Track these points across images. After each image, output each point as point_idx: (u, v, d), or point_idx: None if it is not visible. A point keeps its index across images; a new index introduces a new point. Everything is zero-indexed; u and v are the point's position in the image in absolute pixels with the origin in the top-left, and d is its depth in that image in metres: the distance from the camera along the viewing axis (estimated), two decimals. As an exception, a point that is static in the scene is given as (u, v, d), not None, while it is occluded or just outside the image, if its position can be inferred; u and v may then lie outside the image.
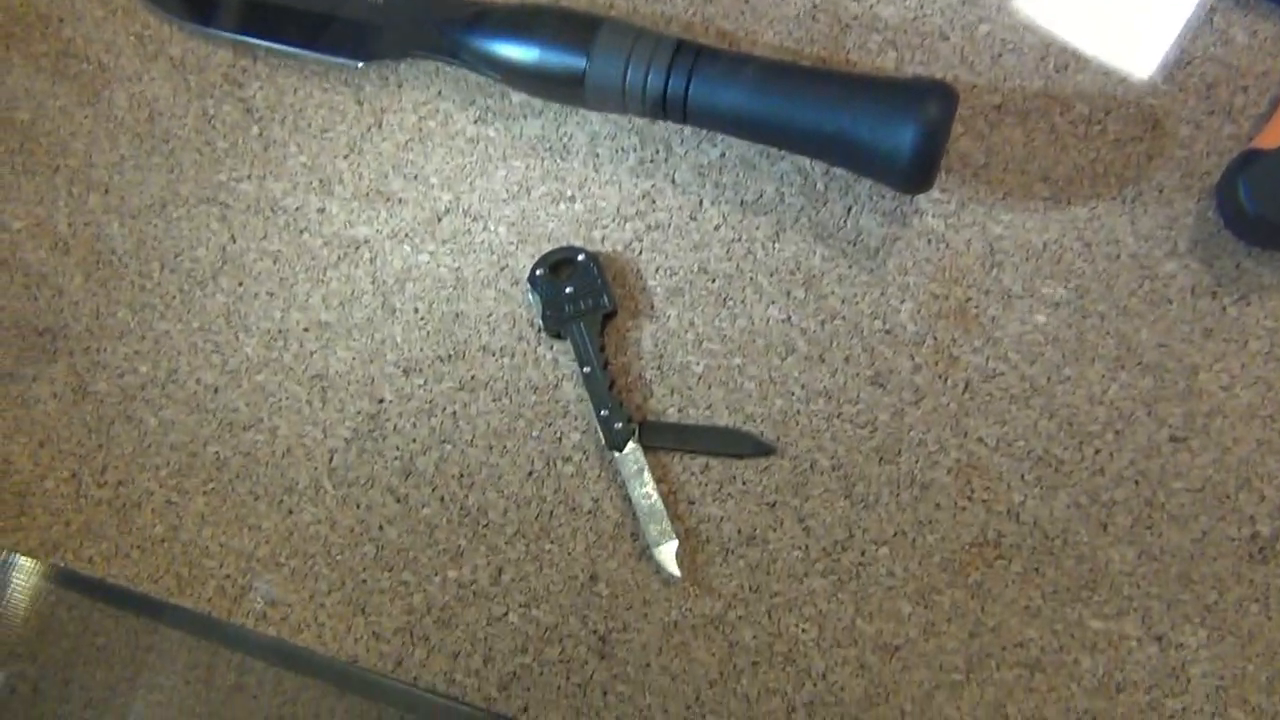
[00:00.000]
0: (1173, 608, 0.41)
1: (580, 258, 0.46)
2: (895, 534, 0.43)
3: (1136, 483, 0.42)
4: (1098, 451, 0.42)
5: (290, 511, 0.46)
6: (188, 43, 0.51)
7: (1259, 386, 0.41)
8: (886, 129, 0.40)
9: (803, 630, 0.43)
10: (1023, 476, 0.42)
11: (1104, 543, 0.41)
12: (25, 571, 0.45)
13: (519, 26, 0.45)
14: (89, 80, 0.51)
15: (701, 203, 0.46)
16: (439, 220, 0.47)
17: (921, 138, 0.40)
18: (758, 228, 0.45)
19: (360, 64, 0.48)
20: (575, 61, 0.44)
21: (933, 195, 0.44)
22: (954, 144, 0.45)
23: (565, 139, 0.47)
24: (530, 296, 0.46)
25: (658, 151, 0.47)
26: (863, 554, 0.43)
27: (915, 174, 0.41)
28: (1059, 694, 0.41)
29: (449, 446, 0.46)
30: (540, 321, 0.45)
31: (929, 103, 0.40)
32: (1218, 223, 0.43)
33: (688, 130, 0.47)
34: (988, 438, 0.43)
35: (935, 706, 0.41)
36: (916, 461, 0.43)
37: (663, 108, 0.44)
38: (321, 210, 0.48)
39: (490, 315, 0.46)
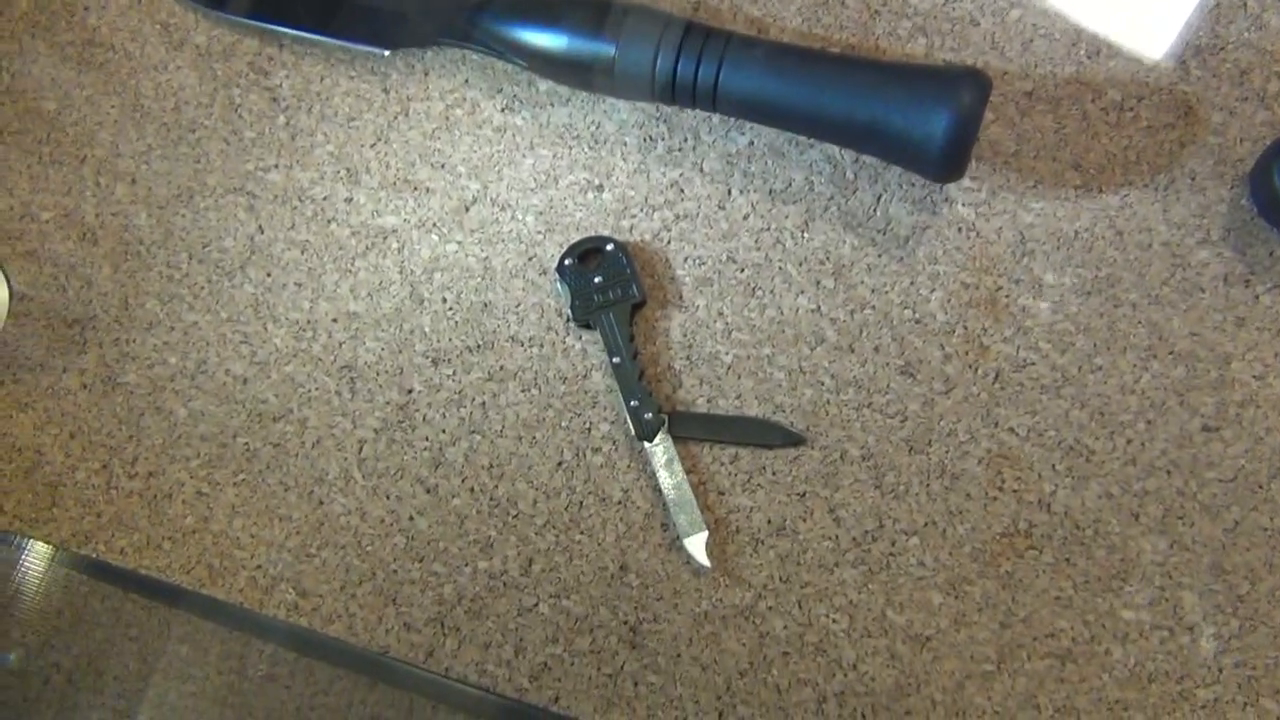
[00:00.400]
0: (1205, 598, 0.41)
1: (609, 247, 0.46)
2: (926, 524, 0.43)
3: (1169, 472, 0.42)
4: (1129, 441, 0.42)
5: (321, 502, 0.47)
6: (213, 31, 0.51)
7: None
8: (919, 117, 0.41)
9: (833, 620, 0.43)
10: (1054, 466, 0.43)
11: (1135, 533, 0.42)
12: (56, 561, 0.46)
13: (547, 13, 0.45)
14: (115, 69, 0.51)
15: (730, 191, 0.46)
16: (466, 209, 0.48)
17: (954, 126, 0.40)
18: (787, 217, 0.46)
19: (387, 52, 0.48)
20: (604, 49, 0.44)
21: (963, 183, 0.45)
22: (985, 131, 0.45)
23: (593, 127, 0.48)
24: (559, 286, 0.46)
25: (686, 140, 0.47)
26: (893, 544, 0.43)
27: (948, 162, 0.41)
28: (1090, 684, 0.41)
29: (478, 437, 0.46)
30: (569, 311, 0.46)
31: (962, 90, 0.40)
32: (1251, 210, 0.43)
33: (716, 118, 0.47)
34: (1019, 428, 0.43)
35: (966, 697, 0.42)
36: (947, 451, 0.43)
37: (692, 95, 0.44)
38: (349, 200, 0.49)
39: (519, 305, 0.47)
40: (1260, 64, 0.44)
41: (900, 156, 0.42)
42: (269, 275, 0.49)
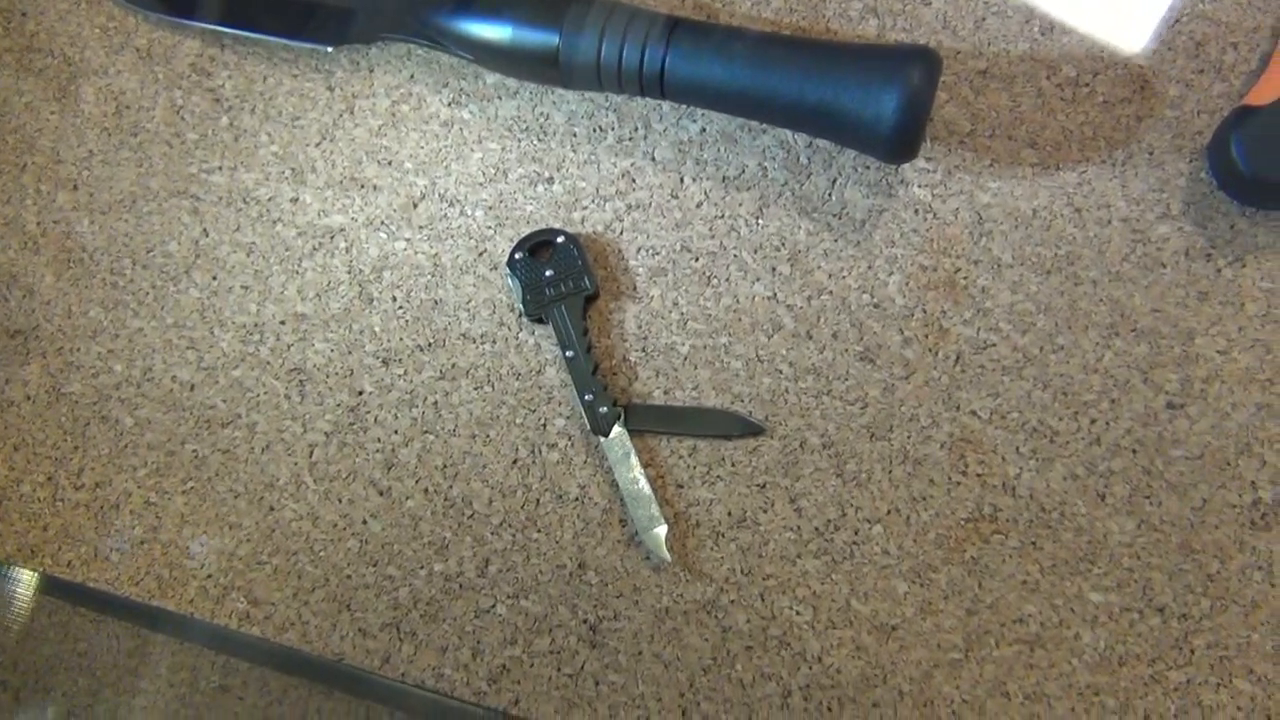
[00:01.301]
0: (1174, 578, 0.41)
1: (560, 239, 0.46)
2: (889, 511, 0.43)
3: (1134, 452, 0.42)
4: (1093, 421, 0.42)
5: (271, 508, 0.47)
6: (154, 33, 0.51)
7: (1257, 349, 0.42)
8: (868, 97, 0.41)
9: (797, 613, 0.43)
10: (1017, 449, 0.43)
11: (1102, 514, 0.42)
12: (3, 579, 0.46)
13: (491, 4, 0.46)
14: (55, 75, 0.51)
15: (682, 180, 0.46)
16: (415, 206, 0.48)
17: (904, 105, 0.40)
18: (740, 204, 0.46)
19: (330, 48, 0.48)
20: (549, 38, 0.44)
21: (918, 165, 0.45)
22: (939, 111, 0.45)
23: (542, 119, 0.48)
24: (510, 281, 0.46)
25: (637, 129, 0.47)
26: (856, 533, 0.43)
27: (899, 142, 0.41)
28: (1060, 669, 0.41)
29: (431, 437, 0.46)
30: (521, 306, 0.46)
31: (911, 69, 0.40)
32: (1210, 183, 0.43)
33: (667, 107, 0.47)
34: (981, 410, 0.43)
35: (934, 686, 0.42)
36: (908, 437, 0.43)
37: (639, 84, 0.44)
38: (295, 200, 0.49)
39: (469, 301, 0.47)
40: (1216, 35, 0.44)
41: (852, 138, 0.43)
42: (214, 279, 0.49)
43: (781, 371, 0.45)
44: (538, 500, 0.45)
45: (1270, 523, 0.41)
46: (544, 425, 0.46)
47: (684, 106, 0.47)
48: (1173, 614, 0.41)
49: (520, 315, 0.46)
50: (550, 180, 0.47)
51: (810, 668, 0.43)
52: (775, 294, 0.45)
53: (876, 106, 0.41)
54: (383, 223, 0.48)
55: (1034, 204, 0.44)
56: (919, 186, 0.45)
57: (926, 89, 0.41)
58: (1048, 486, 0.42)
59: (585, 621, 0.44)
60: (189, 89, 0.50)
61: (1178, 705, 0.40)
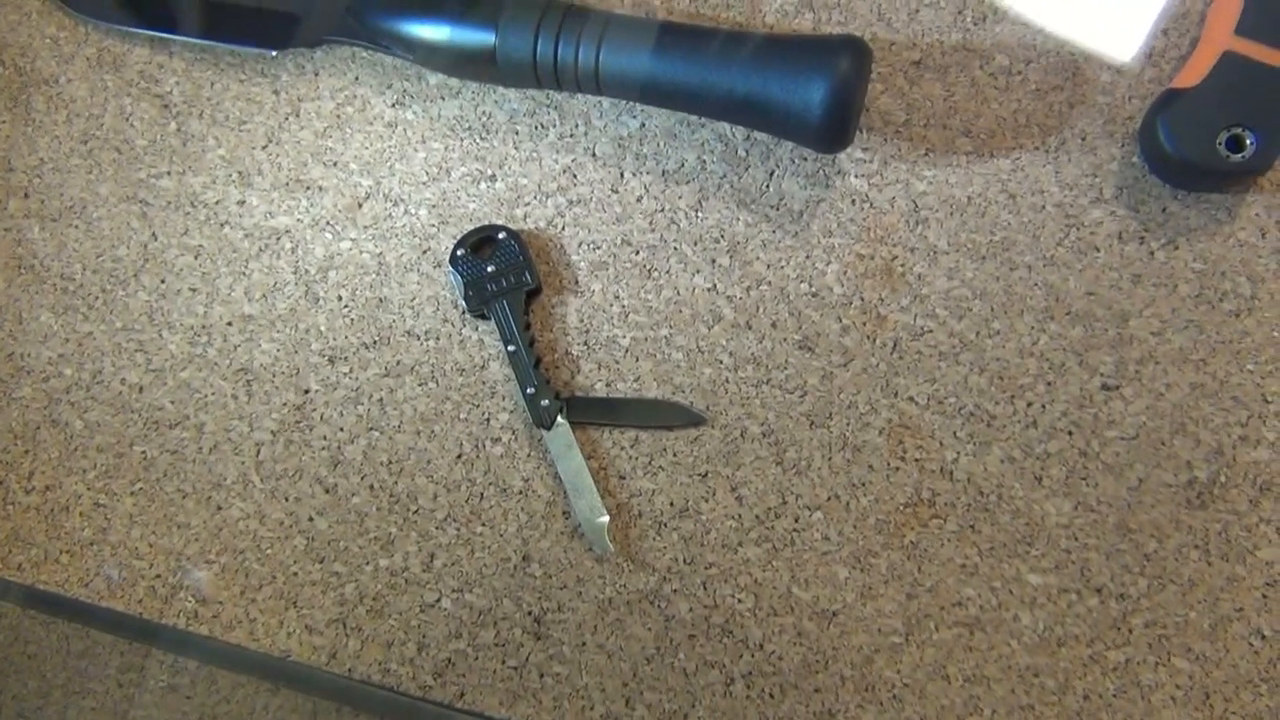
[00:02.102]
0: (1111, 558, 0.42)
1: (501, 236, 0.47)
2: (829, 498, 0.44)
3: (1070, 434, 0.43)
4: (1029, 404, 0.44)
5: (219, 508, 0.48)
6: (103, 42, 0.53)
7: (1190, 330, 0.43)
8: (798, 87, 0.42)
9: (739, 600, 0.44)
10: (955, 433, 0.44)
11: (1039, 496, 0.43)
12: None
13: (429, 5, 0.47)
14: (5, 85, 0.53)
15: (623, 175, 0.48)
16: (359, 206, 0.49)
17: (832, 94, 0.41)
18: (680, 197, 0.47)
19: (275, 52, 0.50)
20: (485, 36, 0.46)
21: (855, 155, 0.46)
22: (874, 102, 0.47)
23: (484, 118, 0.49)
24: (452, 278, 0.47)
25: (577, 126, 0.48)
26: (796, 520, 0.44)
27: (829, 131, 0.42)
28: (999, 651, 0.42)
29: (376, 434, 0.47)
30: (463, 302, 0.47)
31: (839, 59, 0.42)
32: (1142, 167, 0.44)
33: (607, 103, 0.48)
34: (918, 396, 0.44)
35: (875, 670, 0.43)
36: (847, 424, 0.45)
37: (575, 80, 0.45)
38: (241, 202, 0.50)
39: (414, 299, 0.48)
40: (1146, 21, 0.45)
41: (784, 129, 0.44)
42: (163, 282, 0.50)
43: (722, 362, 0.46)
44: (482, 494, 0.46)
45: (1206, 501, 0.42)
46: (488, 420, 0.47)
47: (624, 103, 0.48)
48: (1110, 594, 0.42)
49: (463, 312, 0.47)
50: (493, 178, 0.49)
51: (752, 655, 0.44)
52: (715, 285, 0.46)
53: (805, 96, 0.42)
54: (328, 223, 0.49)
55: (969, 191, 0.45)
56: (855, 176, 0.46)
57: (855, 78, 0.42)
58: (985, 470, 0.43)
59: (530, 614, 0.45)
60: (138, 96, 0.52)
61: (1116, 685, 0.41)
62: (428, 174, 0.49)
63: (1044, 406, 0.43)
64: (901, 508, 0.44)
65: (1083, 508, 0.42)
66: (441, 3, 0.47)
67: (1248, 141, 0.42)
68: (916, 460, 0.44)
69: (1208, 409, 0.42)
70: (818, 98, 0.42)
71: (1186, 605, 0.41)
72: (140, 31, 0.51)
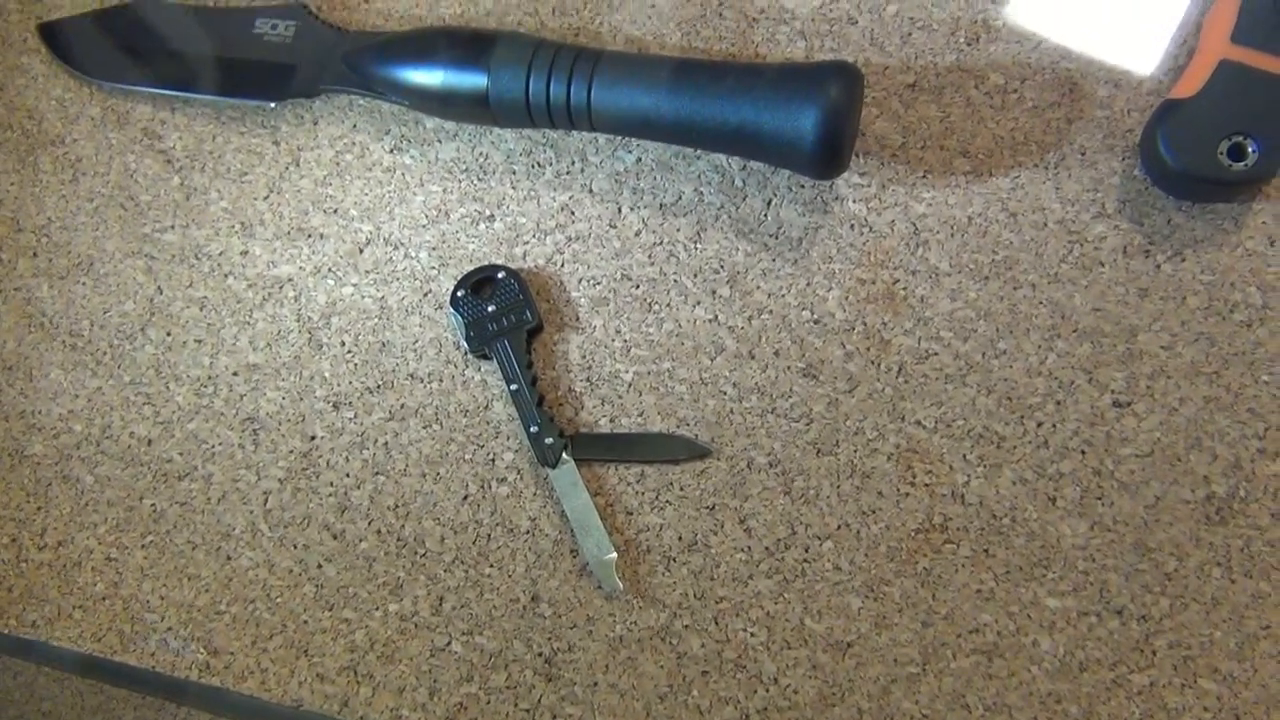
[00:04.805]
0: (1131, 579, 0.44)
1: (500, 275, 0.50)
2: (839, 527, 0.46)
3: (1083, 453, 0.45)
4: (1040, 424, 0.45)
5: (229, 558, 0.51)
6: (108, 100, 0.57)
7: (1201, 343, 0.45)
8: (789, 115, 0.45)
9: (751, 634, 0.46)
10: (965, 456, 0.46)
11: (1054, 517, 0.44)
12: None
13: (421, 51, 0.50)
14: (14, 147, 0.57)
15: (620, 210, 0.50)
16: (360, 252, 0.52)
17: (824, 120, 0.44)
18: (678, 229, 0.50)
19: (273, 104, 0.53)
20: (477, 79, 0.49)
21: (852, 180, 0.48)
22: (869, 126, 0.49)
23: (481, 159, 0.52)
24: (453, 319, 0.50)
25: (573, 163, 0.51)
26: (807, 550, 0.46)
27: (823, 158, 0.45)
28: (1019, 678, 0.43)
29: (382, 478, 0.50)
30: (465, 343, 0.49)
31: (829, 84, 0.44)
32: (1144, 179, 0.46)
33: (602, 139, 0.51)
34: (926, 420, 0.46)
35: (893, 702, 0.44)
36: (855, 451, 0.46)
37: (568, 117, 0.48)
38: (244, 253, 0.53)
39: (416, 342, 0.51)
40: (1142, 32, 0.48)
41: (778, 157, 0.46)
42: (169, 334, 0.53)
43: (725, 393, 0.48)
44: (489, 535, 0.49)
45: (1225, 516, 0.43)
46: (493, 460, 0.49)
47: (618, 137, 0.51)
48: (1132, 615, 0.43)
49: (465, 352, 0.50)
50: (491, 218, 0.51)
51: (767, 689, 0.45)
52: (716, 316, 0.49)
53: (798, 123, 0.45)
54: (330, 270, 0.52)
55: (969, 211, 0.47)
56: (854, 201, 0.49)
57: (846, 103, 0.44)
58: (997, 493, 0.45)
59: (540, 655, 0.47)
60: (141, 152, 0.56)
61: (1142, 709, 0.42)
62: (427, 217, 0.52)
63: (1055, 426, 0.45)
64: (913, 534, 0.45)
65: (1099, 528, 0.44)
66: (434, 48, 0.50)
67: (1249, 149, 0.44)
68: (926, 485, 0.45)
69: (1223, 422, 0.44)
70: (809, 125, 0.44)
71: (1211, 625, 0.43)
72: (142, 89, 0.55)
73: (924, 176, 0.48)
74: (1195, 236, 0.45)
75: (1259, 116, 0.44)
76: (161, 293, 0.54)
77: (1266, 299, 0.44)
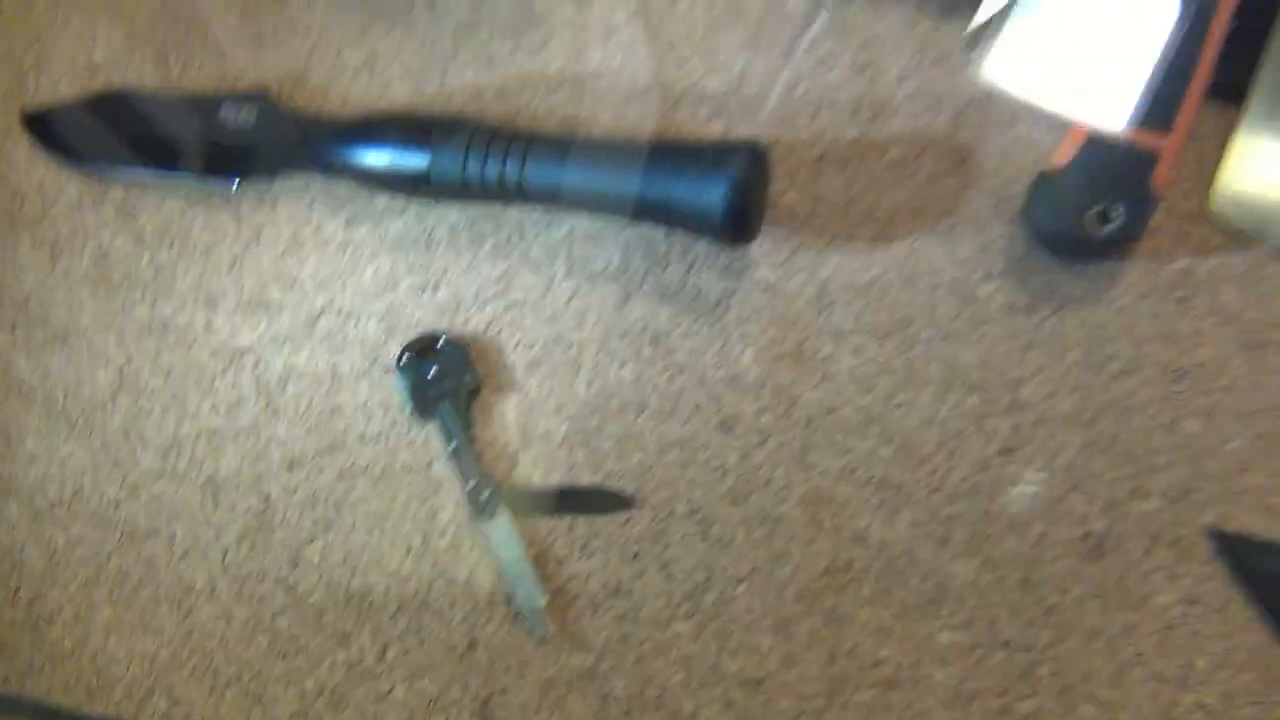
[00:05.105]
0: (1017, 613, 0.51)
1: (442, 342, 0.58)
2: (752, 570, 0.53)
3: (972, 497, 0.52)
4: (933, 471, 0.53)
5: (189, 612, 0.58)
6: (85, 184, 0.65)
7: (1079, 393, 0.52)
8: (701, 189, 0.53)
9: (671, 675, 0.53)
10: (866, 502, 0.53)
11: (947, 558, 0.52)
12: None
13: (371, 135, 0.59)
14: (-5, 229, 0.66)
15: (554, 278, 0.59)
16: (315, 321, 0.61)
17: (732, 193, 0.52)
18: (606, 295, 0.58)
19: (235, 186, 0.62)
20: (420, 160, 0.57)
21: (765, 247, 0.56)
22: (781, 198, 0.57)
23: (427, 233, 0.61)
24: (398, 383, 0.58)
25: (512, 235, 0.60)
26: (722, 593, 0.53)
27: (732, 228, 0.53)
28: (915, 708, 0.50)
29: (333, 534, 0.58)
30: (409, 405, 0.57)
31: (736, 161, 0.53)
32: (1029, 243, 0.54)
33: (539, 211, 0.59)
34: (831, 469, 0.54)
35: (799, 733, 0.51)
36: (767, 499, 0.54)
37: (503, 192, 0.57)
38: (208, 324, 0.62)
39: (365, 404, 0.59)
40: (1025, 109, 0.56)
41: (694, 227, 0.55)
42: (137, 402, 0.61)
43: (649, 447, 0.56)
44: (430, 585, 0.56)
45: (1103, 553, 0.50)
46: (434, 514, 0.57)
47: (553, 209, 0.59)
48: (1018, 647, 0.50)
49: (410, 414, 0.58)
50: (436, 287, 0.60)
51: (684, 725, 0.52)
52: (641, 376, 0.56)
53: (709, 197, 0.53)
54: (286, 338, 0.60)
55: (870, 275, 0.55)
56: (766, 267, 0.57)
57: (752, 178, 0.53)
58: (896, 535, 0.52)
59: (476, 698, 0.54)
60: (114, 232, 0.64)
61: (1028, 735, 0.49)
62: (376, 288, 0.60)
63: (947, 472, 0.52)
64: (820, 575, 0.52)
65: (987, 566, 0.51)
66: (382, 132, 0.59)
67: (1116, 214, 0.52)
68: (832, 530, 0.53)
69: (1099, 465, 0.51)
70: (719, 198, 0.52)
71: (1089, 654, 0.49)
72: (115, 174, 0.64)
73: (830, 243, 0.56)
74: (1073, 294, 0.53)
75: (1123, 183, 0.52)
76: (131, 363, 0.62)
77: (1137, 351, 0.52)
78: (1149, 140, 0.52)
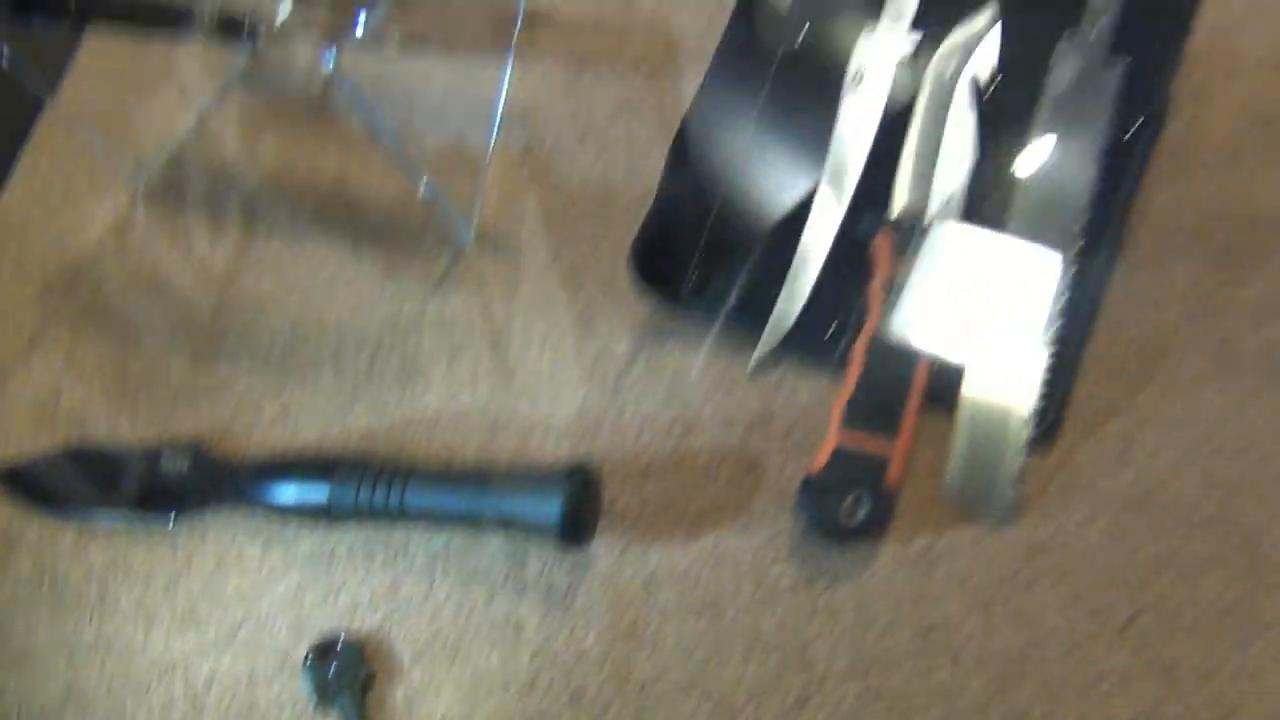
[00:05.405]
0: (815, 841, 0.62)
1: (341, 642, 0.71)
2: (600, 822, 0.64)
3: (775, 743, 0.64)
4: (744, 722, 0.65)
5: None
6: (43, 525, 0.79)
7: (853, 650, 0.66)
8: (540, 506, 0.68)
9: None
10: (690, 754, 0.65)
11: (757, 797, 0.63)
12: None
13: (280, 475, 0.74)
14: (-34, 570, 0.79)
15: (434, 582, 0.72)
16: (236, 631, 0.73)
17: (564, 507, 0.67)
18: (477, 593, 0.71)
19: (171, 523, 0.76)
20: (320, 494, 0.72)
21: (603, 545, 0.71)
22: (615, 502, 0.72)
23: (330, 550, 0.75)
24: (304, 680, 0.70)
25: (399, 550, 0.74)
26: (576, 844, 0.64)
27: (567, 535, 0.68)
28: None
29: (248, 817, 0.68)
30: (313, 698, 0.69)
31: (567, 482, 0.68)
32: (807, 530, 0.69)
33: (422, 529, 0.74)
34: (661, 728, 0.66)
35: None
36: (610, 758, 0.66)
37: (389, 515, 0.71)
38: (145, 639, 0.74)
39: (279, 698, 0.71)
40: (800, 422, 0.72)
41: (539, 535, 0.69)
42: (84, 712, 0.73)
43: (513, 720, 0.68)
44: None
45: (880, 784, 0.62)
46: (335, 793, 0.68)
47: (433, 525, 0.73)
48: None
49: (314, 708, 0.70)
50: (337, 595, 0.73)
51: None
52: (505, 660, 0.69)
53: (546, 513, 0.68)
54: (211, 647, 0.73)
55: (687, 563, 0.70)
56: (605, 562, 0.71)
57: (581, 494, 0.68)
58: (715, 781, 0.64)
59: None
60: (69, 564, 0.77)
61: None
62: (287, 599, 0.73)
63: (754, 723, 0.65)
64: (655, 822, 0.64)
65: (790, 802, 0.63)
66: (289, 472, 0.74)
67: (864, 506, 0.67)
68: (664, 781, 0.64)
69: (877, 709, 0.64)
70: (554, 511, 0.67)
71: None
72: (72, 520, 0.78)
73: (655, 538, 0.71)
74: (843, 570, 0.67)
75: (865, 481, 0.67)
76: (78, 678, 0.74)
77: (896, 613, 0.66)
78: (881, 446, 0.68)
